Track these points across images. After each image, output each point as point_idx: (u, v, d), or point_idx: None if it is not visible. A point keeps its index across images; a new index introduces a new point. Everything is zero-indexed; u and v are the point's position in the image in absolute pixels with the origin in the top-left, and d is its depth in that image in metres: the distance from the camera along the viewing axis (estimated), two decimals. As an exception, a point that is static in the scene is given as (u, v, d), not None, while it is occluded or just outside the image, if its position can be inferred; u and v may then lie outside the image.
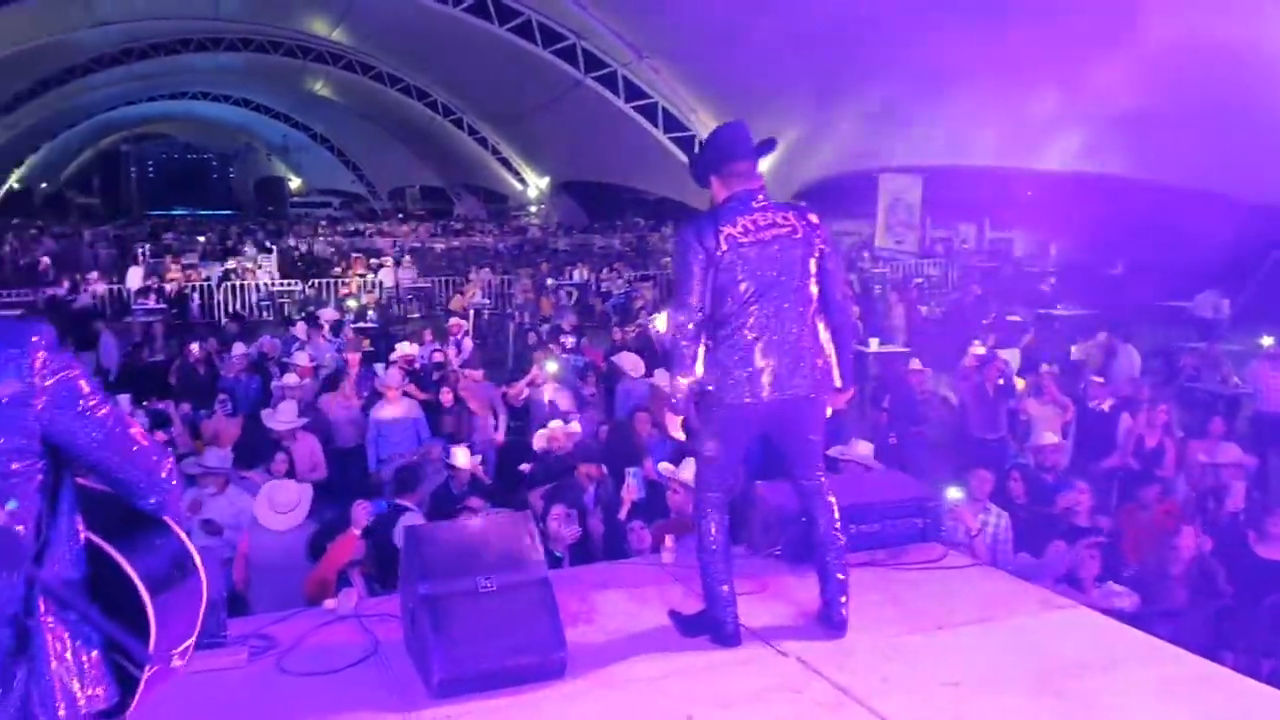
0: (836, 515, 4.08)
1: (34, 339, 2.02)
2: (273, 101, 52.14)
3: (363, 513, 5.77)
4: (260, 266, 23.01)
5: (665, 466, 6.50)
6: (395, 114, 44.01)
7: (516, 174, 42.93)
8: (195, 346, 11.66)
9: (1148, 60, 16.14)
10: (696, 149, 4.11)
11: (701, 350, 3.95)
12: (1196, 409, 11.57)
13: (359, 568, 5.39)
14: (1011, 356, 11.08)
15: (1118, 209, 20.60)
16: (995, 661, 3.83)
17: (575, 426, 7.86)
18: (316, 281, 21.25)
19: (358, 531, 5.66)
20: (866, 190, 27.83)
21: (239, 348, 11.69)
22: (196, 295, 20.31)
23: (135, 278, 20.33)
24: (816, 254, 3.94)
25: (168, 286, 19.39)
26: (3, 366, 1.98)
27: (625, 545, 6.04)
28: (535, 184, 42.34)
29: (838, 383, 4.03)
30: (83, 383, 2.09)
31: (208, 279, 21.24)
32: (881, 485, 5.49)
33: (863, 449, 6.63)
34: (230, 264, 23.18)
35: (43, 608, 2.01)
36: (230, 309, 19.83)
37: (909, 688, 3.64)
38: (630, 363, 10.50)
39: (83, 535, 2.13)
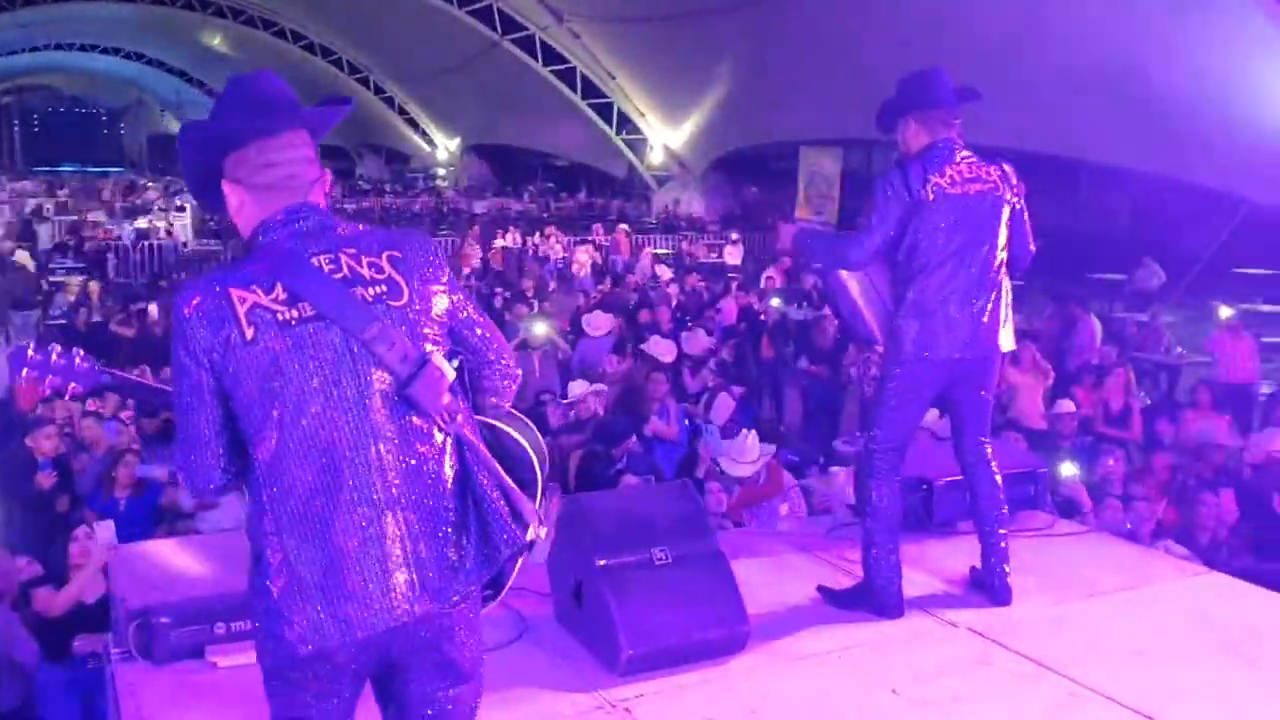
0: (1000, 482, 4.04)
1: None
2: (167, 56, 49.86)
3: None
4: (174, 225, 22.06)
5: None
6: (297, 71, 42.61)
7: (424, 135, 42.01)
8: (153, 308, 11.09)
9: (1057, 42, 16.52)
10: (898, 92, 3.94)
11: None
12: (1142, 378, 11.98)
13: None
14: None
15: (1038, 184, 21.20)
16: (1169, 629, 3.85)
17: (601, 385, 7.72)
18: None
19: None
20: (786, 162, 28.05)
21: (155, 310, 11.27)
22: (112, 254, 19.38)
23: (45, 236, 19.30)
24: (1009, 209, 3.87)
25: (86, 245, 18.44)
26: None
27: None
28: (445, 146, 41.50)
29: (1009, 343, 3.98)
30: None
31: (119, 238, 20.29)
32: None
33: (931, 416, 6.54)
34: (141, 222, 22.16)
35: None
36: (150, 269, 18.97)
37: (1099, 656, 3.63)
38: (600, 322, 10.48)
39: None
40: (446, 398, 2.12)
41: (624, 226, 23.31)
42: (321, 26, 38.15)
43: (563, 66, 31.15)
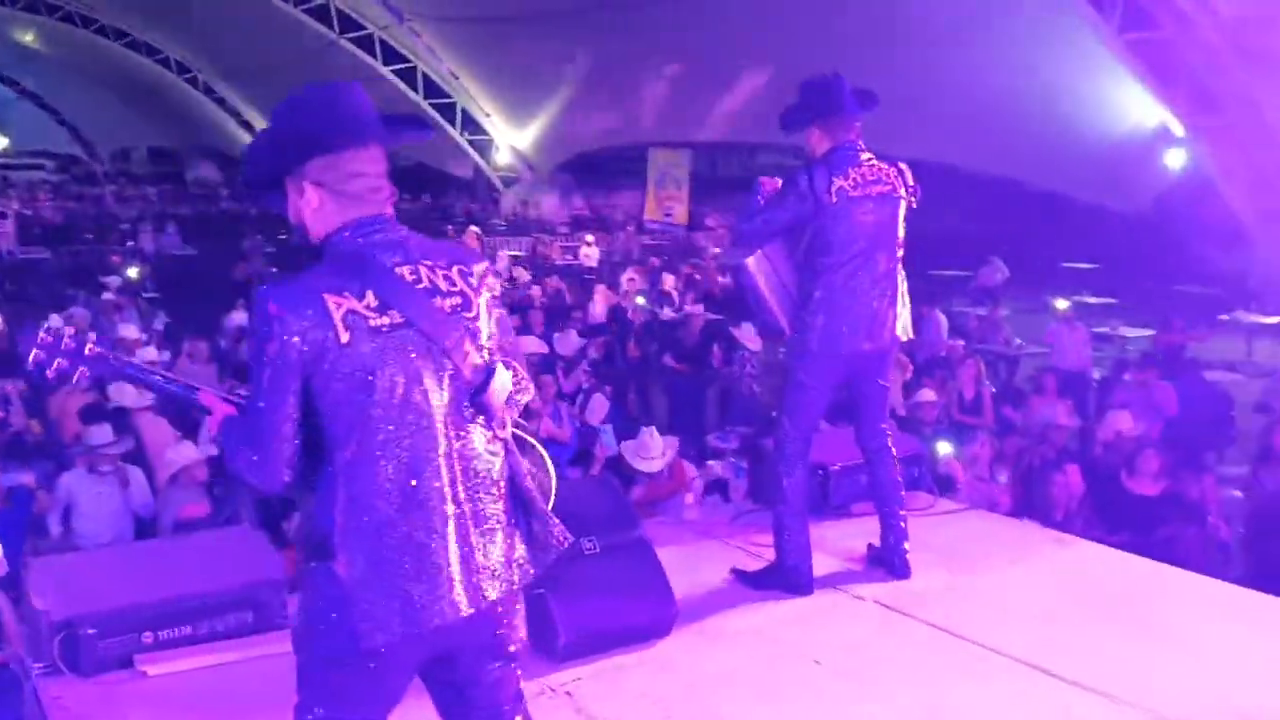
0: (898, 465, 4.31)
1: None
2: (-25, 53, 47.15)
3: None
4: (-4, 234, 20.95)
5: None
6: (121, 71, 40.84)
7: (259, 137, 40.86)
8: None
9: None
10: (801, 97, 4.14)
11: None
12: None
13: None
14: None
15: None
16: (1054, 593, 4.19)
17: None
18: (74, 249, 19.62)
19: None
20: (634, 163, 28.44)
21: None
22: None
23: None
24: (905, 208, 4.13)
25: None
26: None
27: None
28: (280, 149, 40.48)
29: (906, 332, 4.24)
30: None
31: (-64, 245, 19.21)
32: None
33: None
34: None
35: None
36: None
37: (997, 621, 3.93)
38: None
39: None
40: (505, 406, 2.28)
41: (475, 229, 23.21)
42: (145, 24, 36.66)
43: (403, 66, 30.82)
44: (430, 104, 31.20)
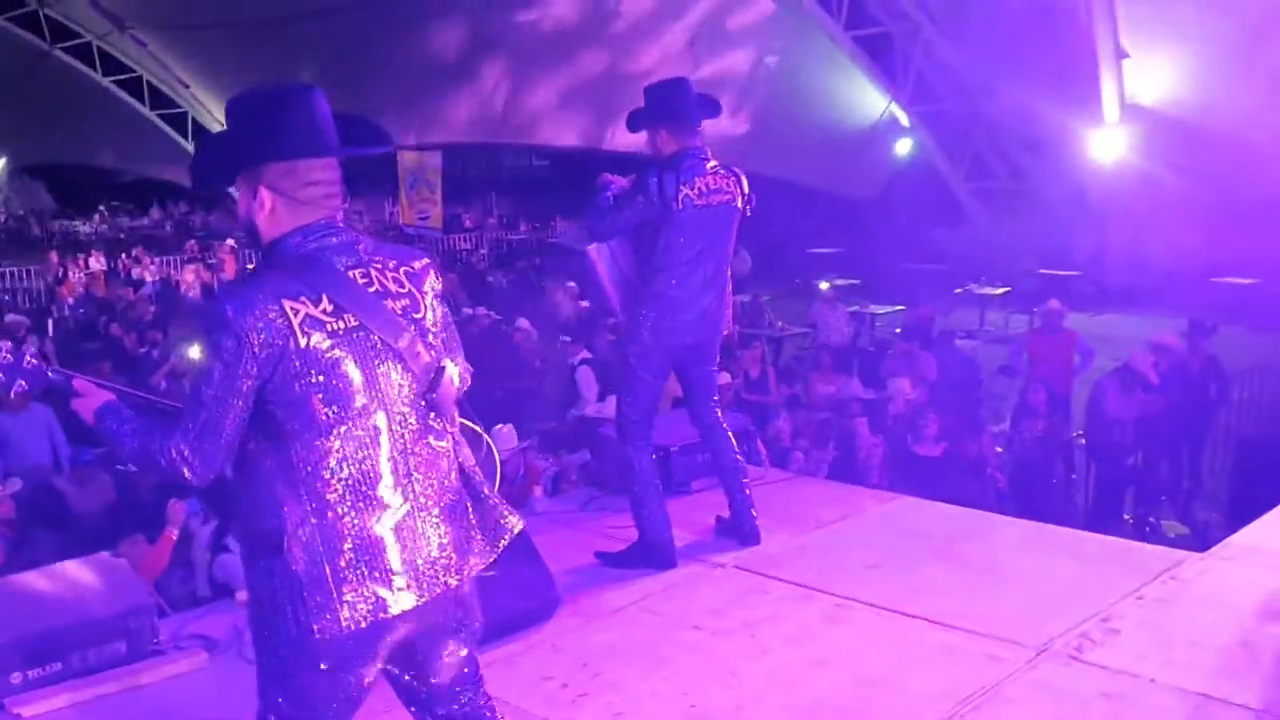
0: (734, 440, 4.65)
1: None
2: None
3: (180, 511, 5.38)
4: None
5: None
6: None
7: (-37, 155, 37.57)
8: None
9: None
10: (648, 100, 4.35)
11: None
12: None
13: None
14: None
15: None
16: (887, 545, 4.62)
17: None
18: None
19: (175, 531, 5.28)
20: (373, 168, 27.99)
21: None
22: None
23: None
24: (740, 216, 4.45)
25: None
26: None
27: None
28: (-10, 166, 37.36)
29: (730, 327, 4.59)
30: None
31: None
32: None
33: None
34: None
35: None
36: None
37: (845, 573, 4.33)
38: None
39: None
40: (453, 401, 2.39)
41: (231, 242, 22.32)
42: None
43: (127, 76, 29.21)
44: (158, 115, 29.75)
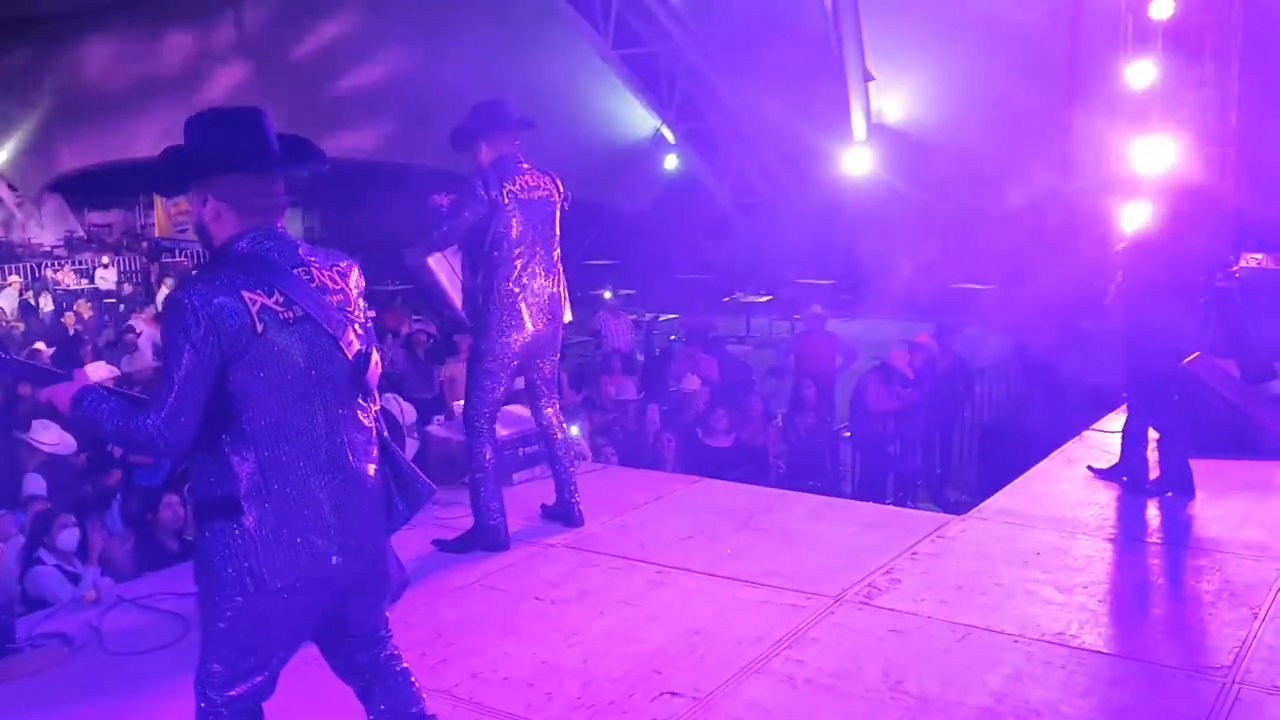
0: (564, 432, 5.06)
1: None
2: None
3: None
4: None
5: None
6: None
7: None
8: None
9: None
10: (471, 119, 4.70)
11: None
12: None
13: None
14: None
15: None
16: (697, 521, 5.14)
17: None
18: None
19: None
20: (130, 180, 26.80)
21: None
22: None
23: None
24: (560, 212, 4.86)
25: None
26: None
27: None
28: None
29: (569, 316, 5.00)
30: None
31: None
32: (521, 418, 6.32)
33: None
34: None
35: None
36: None
37: (663, 545, 4.82)
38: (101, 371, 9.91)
39: None
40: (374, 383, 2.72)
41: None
42: None
43: None
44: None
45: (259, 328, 2.47)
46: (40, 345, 11.42)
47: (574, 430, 6.98)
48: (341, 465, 2.63)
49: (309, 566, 2.56)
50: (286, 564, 2.53)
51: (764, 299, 16.68)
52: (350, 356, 2.65)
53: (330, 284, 2.64)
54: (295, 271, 2.58)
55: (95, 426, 2.54)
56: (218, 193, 2.55)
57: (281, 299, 2.52)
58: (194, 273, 2.57)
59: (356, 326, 2.69)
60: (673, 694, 3.55)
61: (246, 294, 2.47)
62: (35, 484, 6.07)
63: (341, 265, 2.72)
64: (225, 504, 2.51)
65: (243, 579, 2.51)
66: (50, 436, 6.51)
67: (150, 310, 14.08)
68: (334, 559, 2.60)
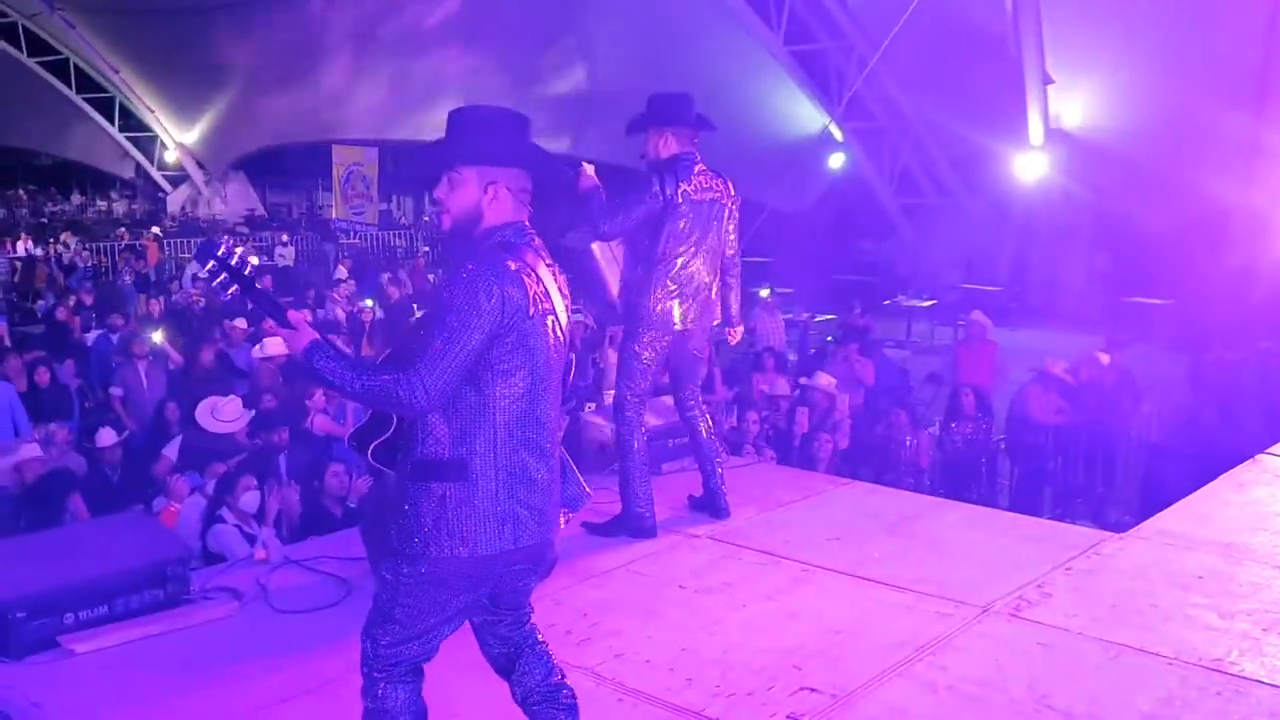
0: (712, 425, 5.10)
1: None
2: None
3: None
4: None
5: None
6: None
7: None
8: None
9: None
10: (652, 108, 4.83)
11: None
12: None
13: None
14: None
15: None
16: (845, 522, 5.11)
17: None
18: None
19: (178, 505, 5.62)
20: (310, 161, 27.96)
21: None
22: None
23: None
24: (729, 212, 4.90)
25: None
26: None
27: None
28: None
29: (721, 319, 5.05)
30: None
31: None
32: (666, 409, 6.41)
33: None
34: None
35: None
36: None
37: (809, 545, 4.80)
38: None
39: None
40: None
41: (156, 230, 22.24)
42: None
43: (54, 58, 28.70)
44: (85, 99, 29.30)
45: (531, 310, 2.65)
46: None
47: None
48: (551, 449, 2.78)
49: (516, 539, 2.68)
50: (499, 534, 2.65)
51: (926, 303, 16.37)
52: (564, 351, 2.83)
53: (548, 280, 2.80)
54: (537, 264, 2.75)
55: (325, 380, 2.67)
56: (506, 181, 2.74)
57: (542, 289, 2.71)
58: (485, 252, 2.70)
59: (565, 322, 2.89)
60: (811, 690, 3.55)
61: (526, 278, 2.65)
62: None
63: (548, 260, 2.86)
64: (453, 467, 2.64)
65: (455, 541, 2.63)
66: (231, 411, 6.88)
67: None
68: (536, 536, 2.73)
